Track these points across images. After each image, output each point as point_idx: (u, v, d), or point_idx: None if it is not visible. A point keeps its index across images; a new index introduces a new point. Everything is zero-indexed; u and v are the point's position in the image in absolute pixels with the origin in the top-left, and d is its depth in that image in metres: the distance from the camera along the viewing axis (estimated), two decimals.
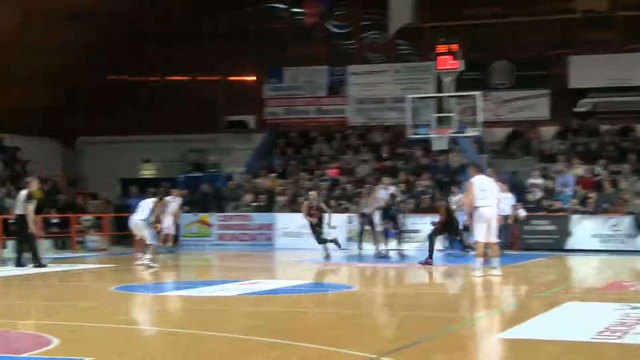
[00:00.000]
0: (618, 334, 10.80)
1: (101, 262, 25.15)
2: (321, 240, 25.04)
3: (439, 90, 29.08)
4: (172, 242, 28.11)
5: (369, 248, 26.81)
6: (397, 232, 25.79)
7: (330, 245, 25.22)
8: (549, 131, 33.95)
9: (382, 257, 25.04)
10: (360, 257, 25.96)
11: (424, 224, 28.55)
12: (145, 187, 33.38)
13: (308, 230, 25.77)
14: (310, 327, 12.14)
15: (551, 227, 28.58)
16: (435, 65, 28.33)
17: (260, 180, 33.50)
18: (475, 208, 18.25)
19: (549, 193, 29.62)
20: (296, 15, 37.69)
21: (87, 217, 31.38)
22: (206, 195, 32.68)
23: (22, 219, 21.89)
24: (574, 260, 25.62)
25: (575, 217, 28.36)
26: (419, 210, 28.98)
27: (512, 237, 28.04)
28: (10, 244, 26.12)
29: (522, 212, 28.06)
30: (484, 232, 18.35)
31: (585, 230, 28.19)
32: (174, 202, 27.79)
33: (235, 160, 35.17)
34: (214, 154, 35.94)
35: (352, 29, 37.34)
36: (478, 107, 27.95)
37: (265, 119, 37.58)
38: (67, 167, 38.18)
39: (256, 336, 10.91)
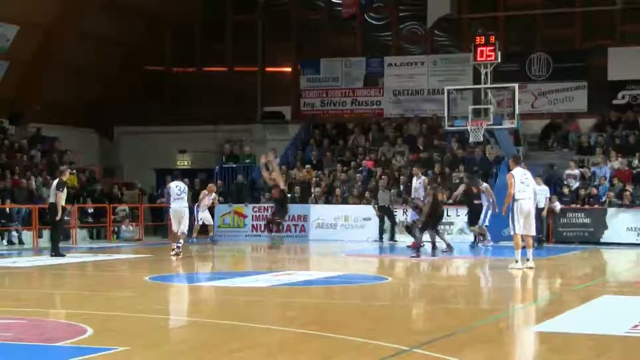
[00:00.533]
0: None
1: (136, 252, 25.28)
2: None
3: (476, 82, 28.91)
4: (212, 232, 28.49)
5: (401, 240, 26.79)
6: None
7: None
8: (586, 123, 33.67)
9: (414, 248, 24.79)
10: (393, 249, 25.93)
11: (459, 215, 28.68)
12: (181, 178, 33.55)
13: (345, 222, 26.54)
14: (343, 319, 12.14)
15: (587, 220, 28.37)
16: (472, 57, 28.17)
17: (295, 171, 33.52)
18: (515, 200, 18.26)
19: (586, 182, 29.41)
20: (334, 6, 37.61)
21: (122, 207, 31.53)
22: (241, 186, 32.73)
23: (53, 207, 22.12)
24: (609, 254, 25.43)
25: (611, 210, 28.14)
26: (454, 202, 28.83)
27: (547, 229, 27.91)
28: (46, 233, 26.39)
29: (557, 205, 27.93)
30: (522, 225, 18.32)
31: (622, 223, 27.96)
32: (209, 197, 28.14)
33: (271, 151, 35.17)
34: (249, 145, 35.96)
35: (389, 20, 37.22)
36: (515, 99, 27.77)
37: (302, 110, 37.57)
38: (104, 157, 38.40)
39: (290, 327, 10.93)
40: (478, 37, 27.81)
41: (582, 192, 28.98)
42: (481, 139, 28.59)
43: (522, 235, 18.41)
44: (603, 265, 23.23)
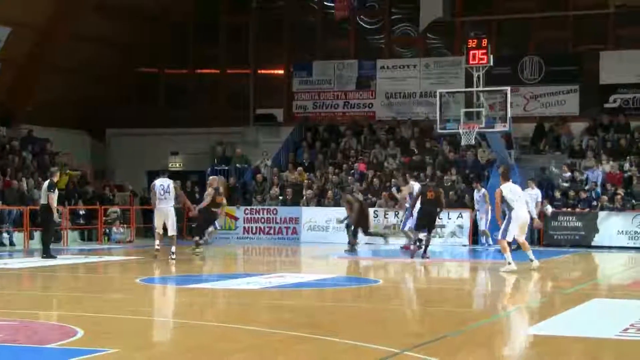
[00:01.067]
0: None
1: (127, 254, 25.24)
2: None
3: (469, 85, 28.93)
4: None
5: (394, 243, 26.81)
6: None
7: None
8: (578, 127, 33.73)
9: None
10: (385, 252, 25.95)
11: (450, 219, 28.73)
12: (173, 180, 33.49)
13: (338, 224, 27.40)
14: (336, 321, 12.13)
15: (578, 224, 28.43)
16: (465, 60, 28.18)
17: (287, 173, 33.52)
18: (513, 209, 18.86)
19: (577, 185, 29.47)
20: (327, 9, 37.61)
21: (113, 209, 31.48)
22: (233, 188, 32.71)
23: (45, 208, 22.06)
24: (600, 257, 25.49)
25: (602, 214, 28.21)
26: (446, 205, 28.80)
27: (539, 232, 27.98)
28: (37, 235, 26.34)
29: (549, 208, 27.98)
30: (517, 232, 18.95)
31: (612, 226, 28.04)
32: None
33: (263, 153, 35.16)
34: (241, 147, 35.93)
35: (382, 23, 37.24)
36: (507, 102, 27.80)
37: (294, 113, 37.57)
38: (95, 158, 38.33)
39: (282, 329, 10.92)
40: (470, 40, 27.82)
41: (572, 194, 29.01)
42: (473, 142, 28.62)
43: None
44: (594, 268, 23.27)
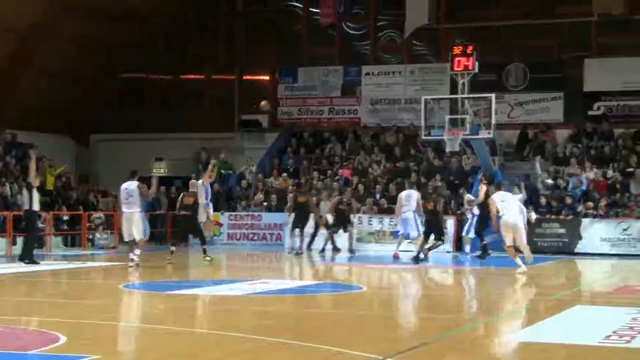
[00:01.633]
0: (626, 338, 10.77)
1: (111, 260, 25.16)
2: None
3: (454, 91, 28.99)
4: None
5: (376, 249, 26.95)
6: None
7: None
8: (562, 134, 33.84)
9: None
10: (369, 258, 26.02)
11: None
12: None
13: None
14: (319, 327, 12.13)
15: (561, 231, 28.49)
16: (450, 67, 28.24)
17: (272, 179, 33.51)
18: (499, 217, 20.32)
19: (560, 192, 29.57)
20: (312, 15, 37.64)
21: (97, 215, 31.38)
22: (217, 194, 32.64)
23: (29, 214, 21.95)
24: (583, 264, 25.55)
25: (585, 221, 28.28)
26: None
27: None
28: (20, 240, 26.21)
29: (533, 215, 28.02)
30: (511, 238, 20.20)
31: (596, 233, 28.11)
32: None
33: (248, 159, 35.13)
34: (226, 153, 35.88)
35: (367, 30, 37.29)
36: (492, 109, 27.87)
37: (279, 119, 37.57)
38: (79, 164, 38.23)
39: (265, 336, 10.91)
40: (455, 47, 27.91)
41: (555, 202, 29.09)
42: (457, 148, 28.68)
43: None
44: (577, 275, 23.33)
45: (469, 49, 27.48)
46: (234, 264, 25.54)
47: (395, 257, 24.65)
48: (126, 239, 21.37)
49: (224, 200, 32.71)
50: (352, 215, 27.55)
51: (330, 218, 27.53)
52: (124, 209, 21.11)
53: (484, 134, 28.03)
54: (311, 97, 37.26)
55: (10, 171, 31.42)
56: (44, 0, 32.34)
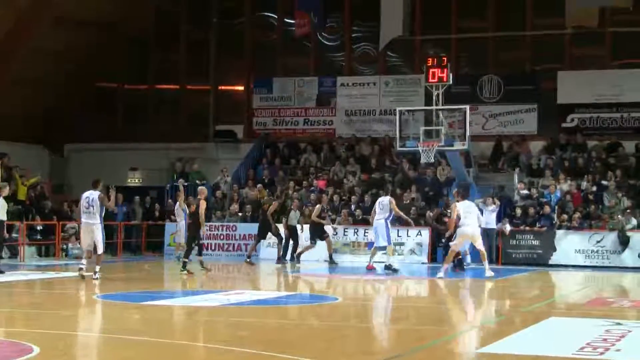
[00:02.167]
0: (599, 350, 10.83)
1: (85, 270, 24.96)
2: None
3: (428, 103, 29.09)
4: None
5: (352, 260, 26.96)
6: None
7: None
8: (536, 145, 34.01)
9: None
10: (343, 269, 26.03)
11: (409, 237, 28.84)
12: (132, 195, 33.43)
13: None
14: (295, 339, 12.12)
15: (535, 242, 28.61)
16: (424, 78, 28.32)
17: (247, 190, 33.48)
18: (458, 227, 21.92)
19: (534, 202, 29.71)
20: (287, 26, 37.68)
21: (71, 225, 31.21)
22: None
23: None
24: (557, 276, 25.66)
25: (559, 232, 28.42)
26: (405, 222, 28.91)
27: (497, 251, 28.16)
28: None
29: (507, 227, 28.20)
30: (462, 245, 22.86)
31: (570, 245, 28.24)
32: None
33: (223, 170, 35.07)
34: (201, 163, 35.83)
35: (342, 41, 37.37)
36: (466, 121, 27.96)
37: (254, 129, 37.57)
38: (54, 173, 38.07)
39: (240, 347, 10.90)
40: (430, 59, 27.98)
41: (532, 210, 29.22)
42: (432, 160, 28.75)
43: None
44: (551, 287, 23.43)
45: (444, 61, 27.56)
46: (209, 275, 25.46)
47: (369, 269, 24.63)
48: (85, 248, 20.81)
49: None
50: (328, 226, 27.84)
51: (299, 227, 27.55)
52: (83, 218, 20.40)
53: (458, 146, 28.11)
54: (286, 107, 37.29)
55: None
56: (16, 9, 32.22)
